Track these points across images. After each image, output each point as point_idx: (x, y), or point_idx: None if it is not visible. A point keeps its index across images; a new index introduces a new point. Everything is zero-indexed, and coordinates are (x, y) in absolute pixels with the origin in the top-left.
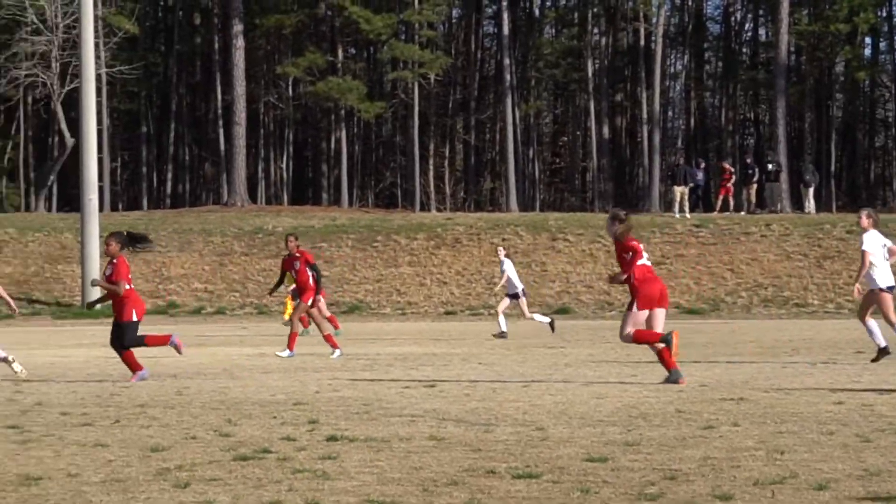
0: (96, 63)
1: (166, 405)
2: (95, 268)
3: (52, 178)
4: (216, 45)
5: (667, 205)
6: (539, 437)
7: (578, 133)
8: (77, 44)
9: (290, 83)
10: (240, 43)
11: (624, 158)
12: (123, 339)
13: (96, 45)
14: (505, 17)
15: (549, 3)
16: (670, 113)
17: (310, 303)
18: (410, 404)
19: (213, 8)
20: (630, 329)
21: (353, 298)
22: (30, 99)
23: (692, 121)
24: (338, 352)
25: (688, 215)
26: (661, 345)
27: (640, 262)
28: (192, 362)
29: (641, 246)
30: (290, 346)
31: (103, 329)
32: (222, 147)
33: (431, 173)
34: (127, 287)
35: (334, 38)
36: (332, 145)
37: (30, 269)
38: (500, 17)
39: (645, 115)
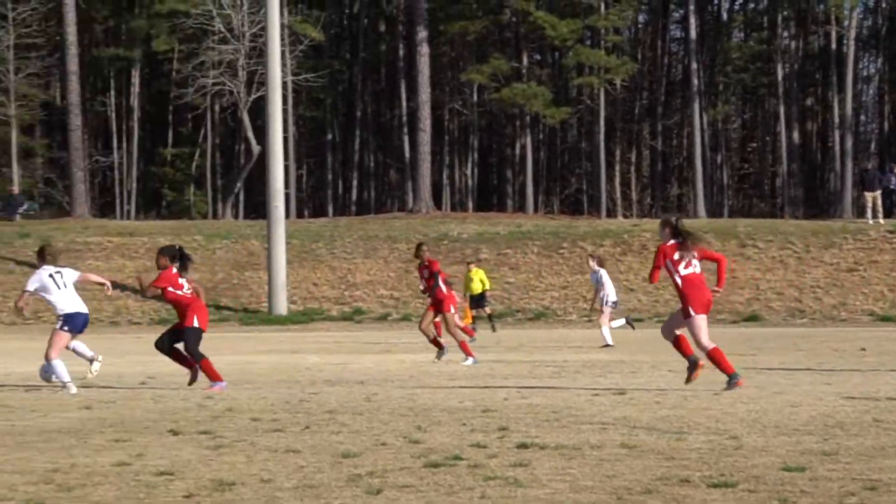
0: (282, 71)
1: (355, 411)
2: (282, 274)
3: (238, 185)
4: (400, 52)
5: (859, 210)
6: (733, 446)
7: (768, 138)
8: (263, 52)
9: (474, 89)
10: (424, 50)
11: (815, 163)
12: (187, 345)
13: (282, 53)
14: (692, 21)
15: (737, 7)
16: (863, 117)
17: (451, 310)
18: (600, 412)
19: (397, 15)
20: (705, 339)
21: (539, 305)
22: (217, 107)
23: (885, 124)
24: (471, 360)
25: (881, 220)
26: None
27: (682, 271)
28: (381, 369)
29: (676, 257)
30: (467, 353)
31: (291, 336)
32: (407, 154)
33: (617, 179)
34: (181, 293)
35: (519, 44)
36: (517, 151)
37: (217, 276)
38: (687, 21)
39: (836, 120)
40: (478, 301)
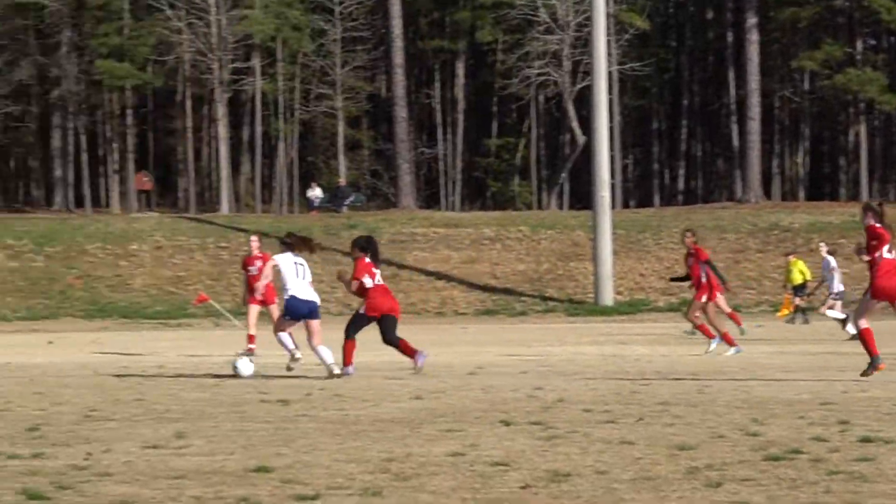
0: (607, 60)
1: (688, 403)
2: (608, 265)
3: (563, 175)
4: (729, 40)
5: None
6: None
7: None
8: (588, 42)
9: (805, 76)
10: (754, 37)
11: None
12: (385, 334)
13: (608, 42)
14: None
15: None
16: None
17: (703, 300)
18: None
19: (725, 2)
20: (863, 321)
21: None
22: (541, 97)
23: None
24: (733, 349)
25: None
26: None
27: (884, 254)
28: (714, 361)
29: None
30: (728, 343)
31: (616, 327)
32: (735, 142)
33: None
34: (365, 283)
35: (853, 30)
36: (851, 139)
37: (542, 267)
38: None
39: None
40: (799, 291)
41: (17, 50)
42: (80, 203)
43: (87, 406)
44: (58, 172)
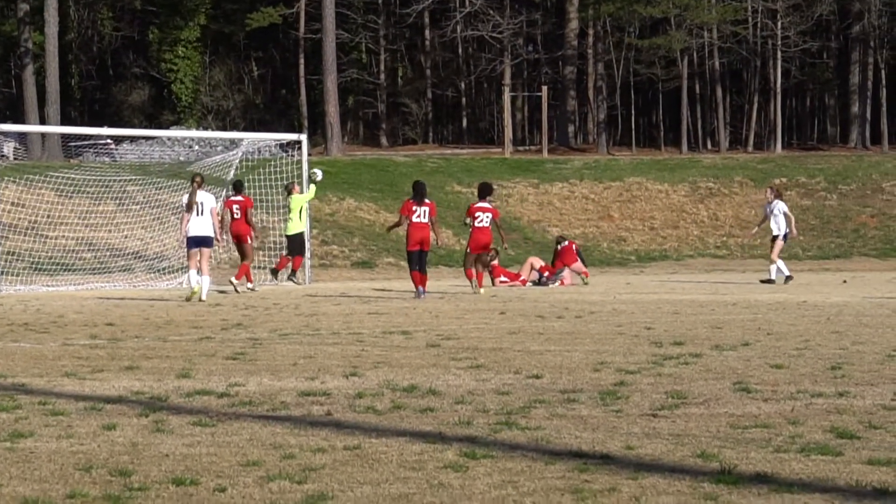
0: None
1: None
2: None
3: None
4: None
5: None
6: None
7: None
8: None
9: None
10: None
11: None
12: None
13: None
14: None
15: None
16: None
17: None
18: None
19: None
20: None
21: None
22: None
23: None
24: None
25: None
26: None
27: None
28: None
29: None
30: None
31: None
32: None
33: None
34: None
35: None
36: None
37: None
38: None
39: None
40: None
41: None
42: (876, 140)
43: (889, 346)
44: (854, 109)
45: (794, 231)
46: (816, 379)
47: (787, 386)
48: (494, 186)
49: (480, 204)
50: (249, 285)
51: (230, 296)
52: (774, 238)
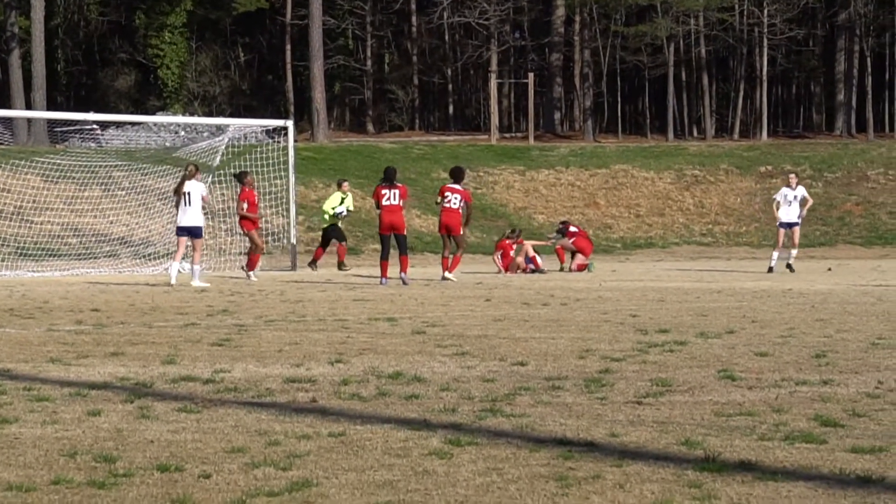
0: None
1: None
2: None
3: None
4: None
5: None
6: None
7: None
8: None
9: None
10: None
11: None
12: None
13: None
14: None
15: None
16: None
17: None
18: None
19: None
20: None
21: None
22: None
23: None
24: None
25: None
26: None
27: None
28: None
29: None
30: None
31: None
32: None
33: None
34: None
35: None
36: None
37: None
38: None
39: None
40: None
41: None
42: (861, 128)
43: (874, 334)
44: (840, 97)
45: (804, 214)
46: (801, 367)
47: (771, 374)
48: (469, 171)
49: (451, 185)
50: (251, 273)
51: (240, 284)
52: (789, 225)
